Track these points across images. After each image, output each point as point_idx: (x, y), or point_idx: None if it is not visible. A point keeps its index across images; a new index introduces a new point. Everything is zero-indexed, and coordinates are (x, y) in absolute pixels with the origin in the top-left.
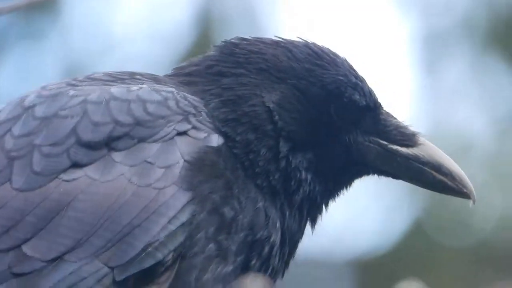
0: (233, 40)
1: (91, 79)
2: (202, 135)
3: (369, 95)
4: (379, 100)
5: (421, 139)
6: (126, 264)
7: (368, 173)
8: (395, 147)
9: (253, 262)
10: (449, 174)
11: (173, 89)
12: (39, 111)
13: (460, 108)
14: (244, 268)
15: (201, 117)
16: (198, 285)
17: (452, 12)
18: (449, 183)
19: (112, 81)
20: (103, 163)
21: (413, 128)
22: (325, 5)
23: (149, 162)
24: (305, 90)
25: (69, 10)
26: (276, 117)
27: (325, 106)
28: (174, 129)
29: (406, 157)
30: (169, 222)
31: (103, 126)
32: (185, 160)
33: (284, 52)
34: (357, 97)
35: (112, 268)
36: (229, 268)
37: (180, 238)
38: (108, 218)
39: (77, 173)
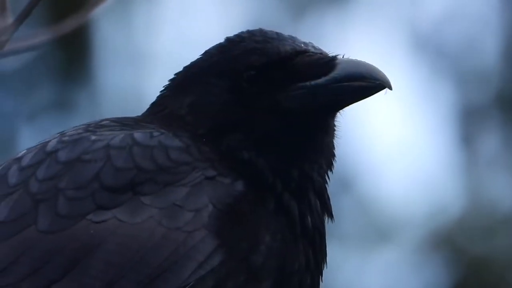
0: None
1: (103, 126)
2: (228, 180)
3: (274, 49)
4: (289, 49)
5: (338, 59)
6: None
7: (316, 119)
8: (313, 82)
9: None
10: (360, 76)
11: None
12: (62, 155)
13: (497, 181)
14: None
15: (225, 164)
16: None
17: (486, 84)
18: (364, 84)
19: (122, 126)
20: (132, 205)
21: (330, 53)
22: None
23: (178, 205)
24: (216, 82)
25: (101, 77)
26: (189, 118)
27: (236, 85)
28: (202, 174)
29: (325, 85)
30: (199, 266)
31: (126, 171)
32: (213, 205)
33: (203, 55)
34: (255, 58)
35: None
36: None
37: (209, 284)
38: (138, 261)
39: (106, 214)
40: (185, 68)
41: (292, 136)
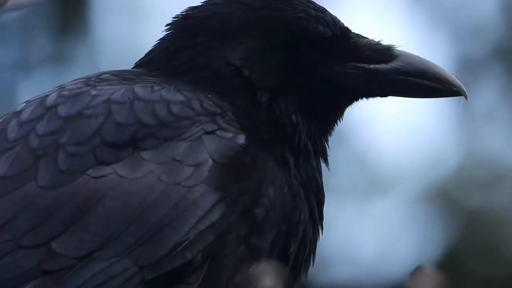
0: (184, 13)
1: (103, 80)
2: (229, 135)
3: (333, 23)
4: (345, 25)
5: (397, 51)
6: (156, 263)
7: (356, 99)
8: (373, 66)
9: (292, 248)
10: (433, 77)
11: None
12: (63, 110)
13: (493, 134)
14: (283, 255)
15: (227, 117)
16: (229, 286)
17: (483, 37)
18: (437, 85)
19: (123, 80)
20: (132, 160)
21: (386, 42)
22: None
23: (178, 160)
24: (268, 37)
25: (99, 30)
26: (246, 73)
27: (293, 47)
28: (202, 129)
29: (387, 73)
30: (199, 221)
31: (127, 127)
32: (213, 160)
33: (237, 6)
34: (321, 28)
35: (141, 267)
36: None
37: (209, 238)
38: (138, 216)
39: (106, 170)
40: (206, 18)
41: (334, 110)
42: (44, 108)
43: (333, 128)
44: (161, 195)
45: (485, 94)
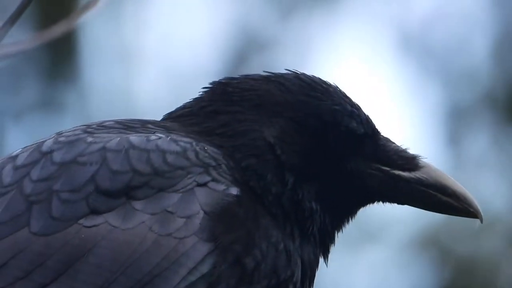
0: (222, 80)
1: (105, 127)
2: (221, 187)
3: (366, 122)
4: (377, 126)
5: (423, 162)
6: None
7: (373, 200)
8: (397, 172)
9: None
10: (453, 195)
11: (191, 140)
12: (57, 156)
13: (484, 181)
14: None
15: (220, 170)
16: None
17: (474, 85)
18: (455, 203)
19: (125, 129)
20: (124, 210)
21: (412, 151)
22: (347, 74)
23: (170, 212)
24: (302, 122)
25: (88, 76)
26: (278, 151)
27: (324, 137)
28: (194, 180)
29: (409, 181)
30: (189, 273)
31: (122, 175)
32: (205, 212)
33: (276, 86)
34: (354, 125)
35: None
36: None
37: None
38: (129, 266)
39: (98, 219)
40: (245, 90)
41: (351, 206)
42: (39, 154)
43: (344, 225)
44: (152, 245)
45: (476, 141)
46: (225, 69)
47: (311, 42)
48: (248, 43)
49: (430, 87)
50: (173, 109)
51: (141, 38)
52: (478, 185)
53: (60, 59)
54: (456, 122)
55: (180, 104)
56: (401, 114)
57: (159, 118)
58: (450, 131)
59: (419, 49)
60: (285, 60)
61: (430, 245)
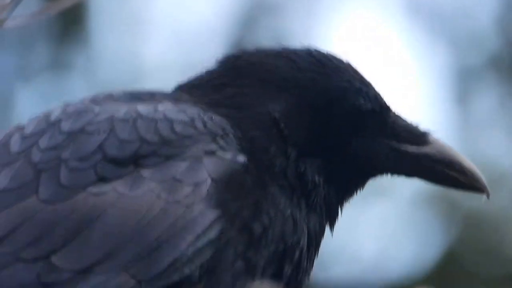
0: (235, 53)
1: (112, 98)
2: (229, 155)
3: (375, 98)
4: (387, 102)
5: (432, 138)
6: (153, 278)
7: (380, 174)
8: (404, 147)
9: (286, 269)
10: (461, 170)
11: (199, 110)
12: (66, 126)
13: (492, 140)
14: (277, 276)
15: (228, 139)
16: None
17: (481, 47)
18: (462, 179)
19: (133, 99)
20: (132, 178)
21: (423, 127)
22: (354, 38)
23: (177, 179)
24: (307, 99)
25: (98, 40)
26: (282, 126)
27: (329, 113)
28: (202, 149)
29: (417, 157)
30: (197, 239)
31: (130, 143)
32: (212, 179)
33: (286, 61)
34: (361, 101)
35: (139, 282)
36: None
37: (207, 254)
38: (137, 233)
39: (106, 187)
40: (254, 64)
41: (357, 180)
42: (47, 123)
43: (351, 197)
44: (160, 212)
45: (483, 101)
46: (233, 33)
47: (320, 5)
48: (257, 6)
49: (437, 49)
50: (181, 73)
51: (149, 2)
52: (486, 143)
53: (71, 22)
54: (463, 83)
55: (188, 67)
56: (409, 76)
57: (167, 81)
58: (458, 92)
59: (427, 12)
60: (294, 22)
61: (438, 200)
